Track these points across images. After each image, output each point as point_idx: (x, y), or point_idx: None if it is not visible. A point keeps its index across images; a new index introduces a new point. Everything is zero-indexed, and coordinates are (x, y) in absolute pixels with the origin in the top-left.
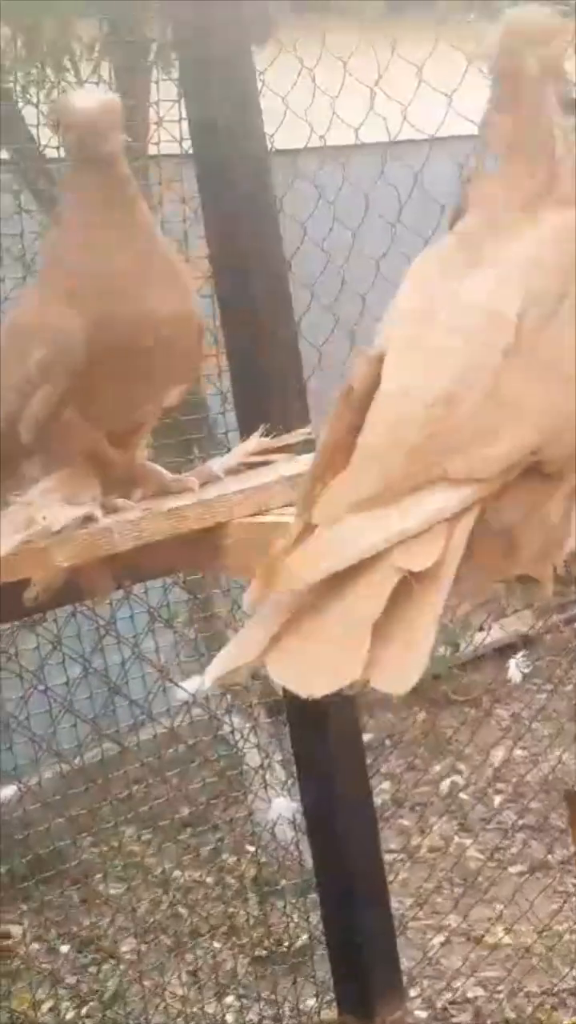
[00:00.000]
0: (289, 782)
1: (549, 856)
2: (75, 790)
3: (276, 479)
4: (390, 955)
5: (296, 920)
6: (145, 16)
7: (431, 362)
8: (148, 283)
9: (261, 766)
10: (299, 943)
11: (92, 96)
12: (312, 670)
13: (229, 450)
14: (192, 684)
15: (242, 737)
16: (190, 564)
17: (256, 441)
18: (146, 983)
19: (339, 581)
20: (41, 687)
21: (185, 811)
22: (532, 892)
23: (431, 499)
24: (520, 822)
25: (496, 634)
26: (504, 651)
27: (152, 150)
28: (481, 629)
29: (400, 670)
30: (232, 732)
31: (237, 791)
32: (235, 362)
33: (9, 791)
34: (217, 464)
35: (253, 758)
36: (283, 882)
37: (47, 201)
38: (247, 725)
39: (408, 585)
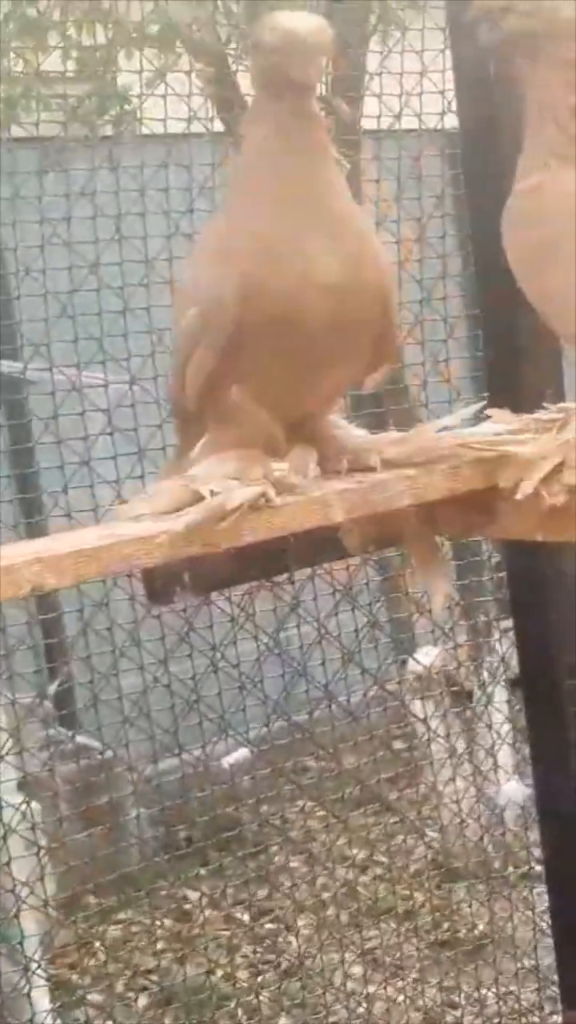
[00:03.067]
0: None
1: None
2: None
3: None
4: None
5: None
6: None
7: None
8: (320, 247)
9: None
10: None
11: (302, 18)
12: None
13: None
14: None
15: (428, 729)
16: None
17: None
18: (323, 958)
19: None
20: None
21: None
22: None
23: None
24: None
25: None
26: None
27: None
28: None
29: None
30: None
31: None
32: (489, 329)
33: (242, 754)
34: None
35: (438, 747)
36: (510, 869)
37: None
38: (437, 713)
39: None
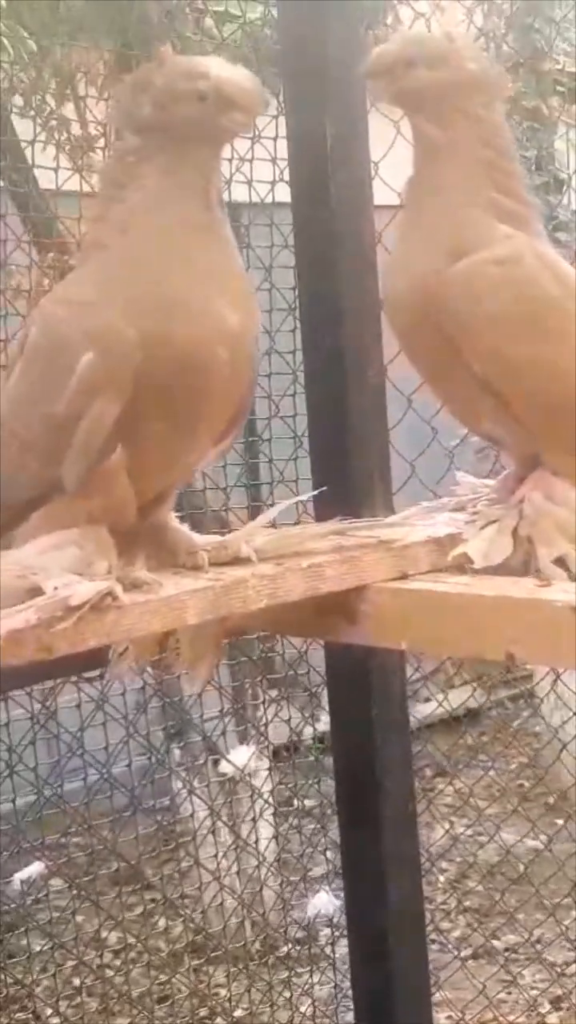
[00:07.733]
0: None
1: (494, 942)
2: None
3: (424, 540)
4: None
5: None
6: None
7: None
8: (221, 299)
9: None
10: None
11: (236, 69)
12: None
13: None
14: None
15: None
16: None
17: (273, 512)
18: None
19: None
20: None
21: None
22: (476, 977)
23: None
24: (465, 904)
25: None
26: (450, 723)
27: None
28: (427, 700)
29: None
30: (183, 792)
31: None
32: (315, 409)
33: (36, 868)
34: (243, 540)
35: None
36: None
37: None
38: (196, 785)
39: None
